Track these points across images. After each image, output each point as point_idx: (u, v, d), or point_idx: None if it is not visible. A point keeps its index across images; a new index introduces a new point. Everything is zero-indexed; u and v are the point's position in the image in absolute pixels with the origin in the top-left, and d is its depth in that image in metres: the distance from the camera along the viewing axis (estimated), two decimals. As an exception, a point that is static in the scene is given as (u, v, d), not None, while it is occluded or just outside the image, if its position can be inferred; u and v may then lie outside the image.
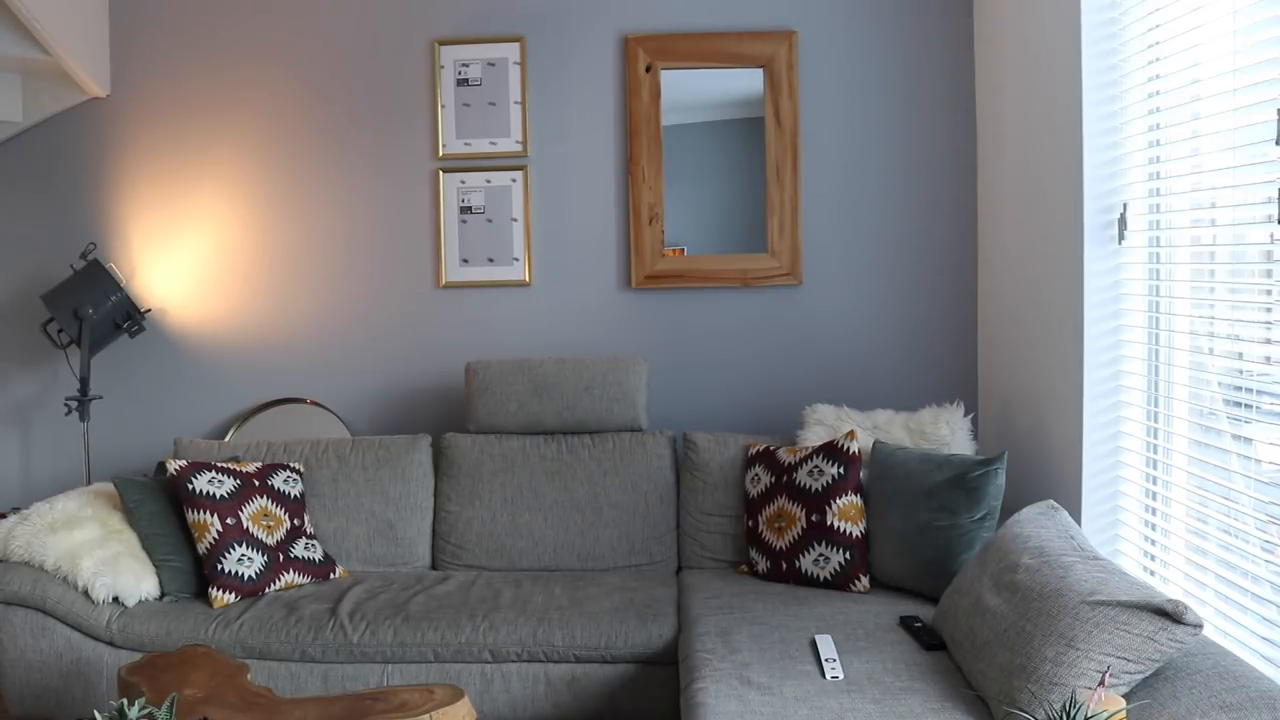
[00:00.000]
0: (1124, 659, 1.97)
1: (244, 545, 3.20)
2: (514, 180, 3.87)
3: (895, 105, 3.81)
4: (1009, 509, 2.92)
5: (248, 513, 3.26)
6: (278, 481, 3.40)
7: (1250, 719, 1.82)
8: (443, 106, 3.88)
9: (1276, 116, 2.06)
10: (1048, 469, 3.09)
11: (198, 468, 3.29)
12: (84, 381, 3.70)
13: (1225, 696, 1.88)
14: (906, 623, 2.73)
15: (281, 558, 3.26)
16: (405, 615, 3.03)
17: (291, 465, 3.49)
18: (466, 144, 3.89)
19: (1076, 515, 2.85)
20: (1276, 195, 2.14)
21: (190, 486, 3.23)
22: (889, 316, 3.85)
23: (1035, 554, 2.33)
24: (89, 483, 3.69)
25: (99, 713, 1.88)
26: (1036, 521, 2.51)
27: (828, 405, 3.49)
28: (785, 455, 3.31)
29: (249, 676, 2.47)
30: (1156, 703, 1.94)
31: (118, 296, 3.76)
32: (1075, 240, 2.86)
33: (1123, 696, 1.92)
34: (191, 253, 3.94)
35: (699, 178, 3.87)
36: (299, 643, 2.98)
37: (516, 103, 3.86)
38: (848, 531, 3.12)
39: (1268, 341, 2.22)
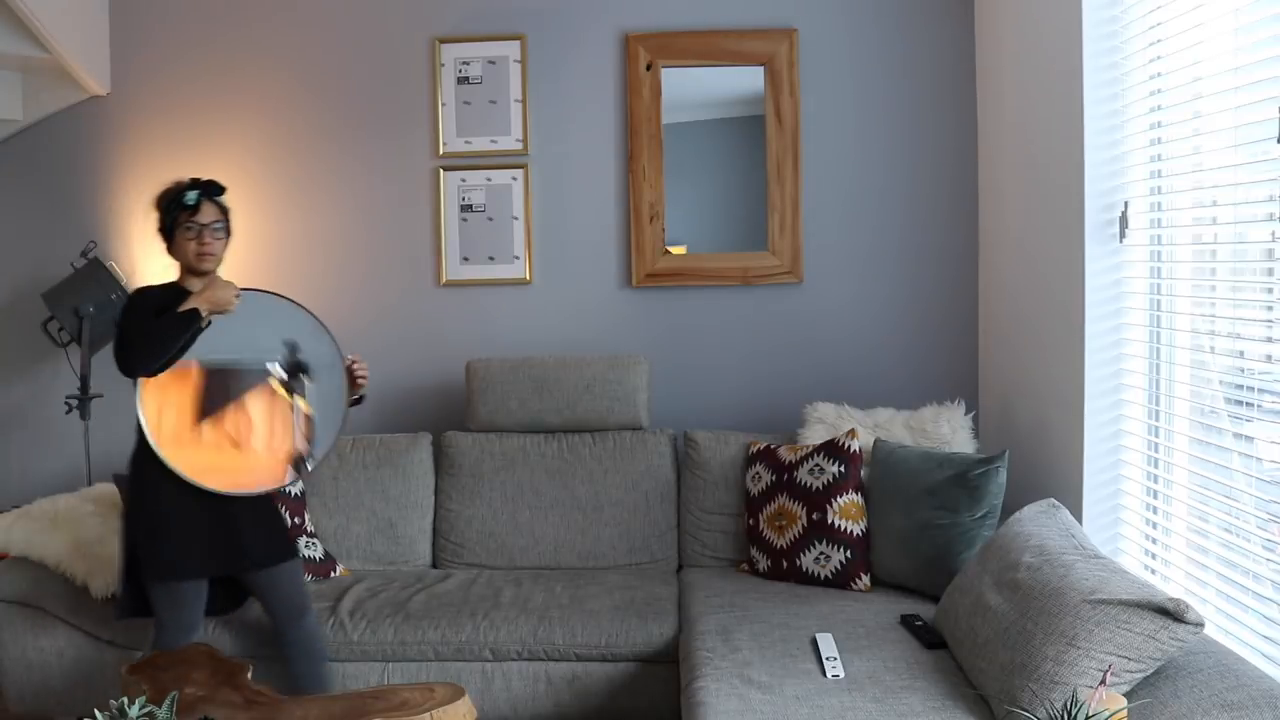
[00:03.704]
0: (1125, 658, 1.96)
1: (244, 544, 3.19)
2: (514, 178, 3.86)
3: (896, 103, 3.81)
4: (1010, 507, 2.91)
5: (248, 511, 3.25)
6: (278, 480, 3.39)
7: (1251, 718, 1.82)
8: (443, 104, 3.87)
9: (1278, 115, 2.06)
10: (1049, 467, 3.09)
11: (198, 466, 3.28)
12: (84, 380, 3.70)
13: (1226, 695, 1.88)
14: (907, 621, 2.73)
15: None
16: (406, 613, 3.03)
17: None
18: (467, 142, 3.88)
19: (1077, 514, 2.85)
20: (1278, 194, 2.13)
21: (191, 485, 3.22)
22: (890, 315, 3.85)
23: (1036, 552, 2.33)
24: (90, 481, 3.68)
25: (100, 711, 1.88)
26: (1037, 520, 2.51)
27: (828, 403, 3.49)
28: (786, 453, 3.31)
29: (249, 675, 2.47)
30: (1158, 701, 1.94)
31: (118, 295, 3.75)
32: (1076, 238, 2.86)
33: (1124, 695, 1.91)
34: (192, 251, 3.94)
35: (700, 176, 3.87)
36: (300, 641, 2.98)
37: (517, 101, 3.85)
38: (848, 530, 3.12)
39: (1269, 340, 2.22)
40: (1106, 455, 2.84)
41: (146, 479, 2.71)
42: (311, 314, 2.88)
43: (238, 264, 3.92)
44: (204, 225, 2.72)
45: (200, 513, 2.71)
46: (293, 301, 2.88)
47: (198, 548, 2.71)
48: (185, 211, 2.71)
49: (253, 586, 2.83)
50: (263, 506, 2.83)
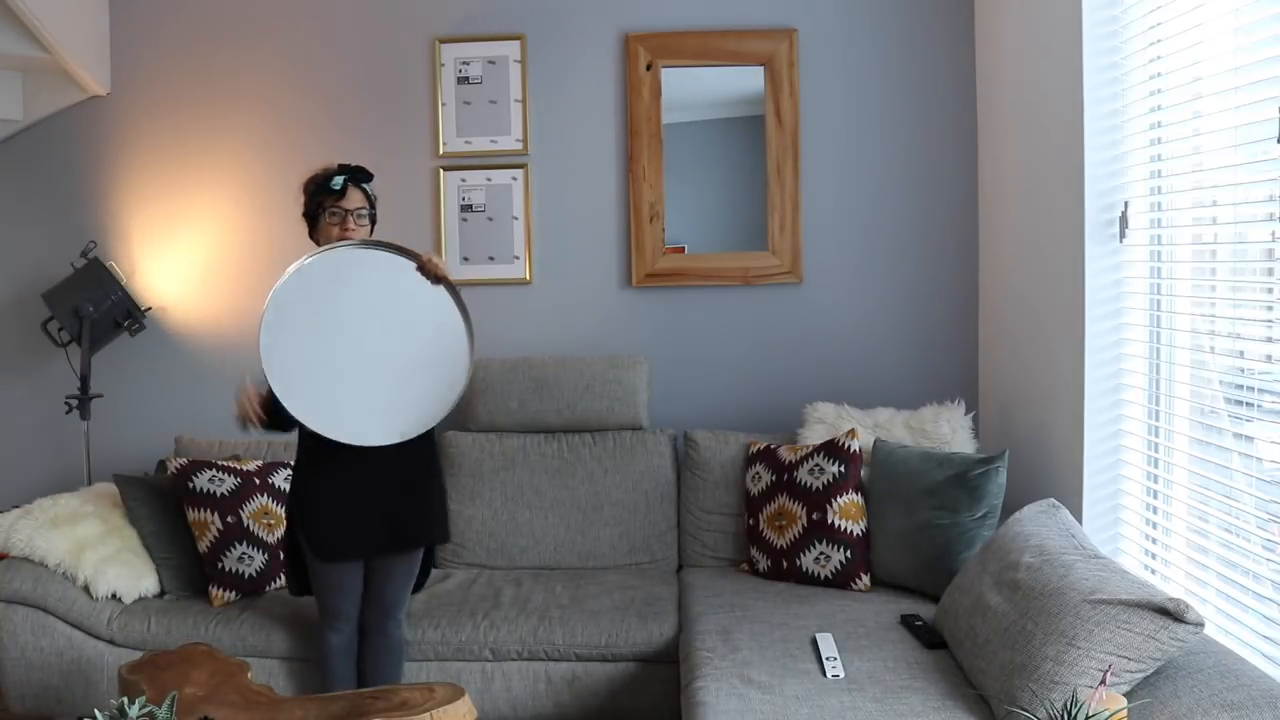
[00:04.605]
0: (1125, 658, 1.97)
1: (244, 543, 3.20)
2: (514, 178, 3.86)
3: (896, 103, 3.81)
4: (1010, 507, 2.91)
5: (248, 511, 3.26)
6: (278, 480, 3.40)
7: (1252, 717, 1.82)
8: (443, 104, 3.87)
9: (1278, 115, 2.06)
10: (1049, 467, 3.09)
11: (198, 466, 3.29)
12: (84, 380, 3.70)
13: (1226, 695, 1.88)
14: (907, 621, 2.73)
15: (282, 556, 3.26)
16: (406, 613, 3.03)
17: (292, 464, 3.48)
18: (467, 142, 3.88)
19: (1077, 514, 2.85)
20: (1278, 194, 2.13)
21: (191, 485, 3.23)
22: (890, 314, 3.84)
23: (1036, 552, 2.33)
24: (90, 481, 3.68)
25: (99, 711, 1.88)
26: (1037, 520, 2.51)
27: (828, 403, 3.49)
28: (786, 453, 3.31)
29: (249, 675, 2.47)
30: (1158, 701, 1.94)
31: (118, 295, 3.75)
32: (1076, 239, 2.86)
33: (1124, 695, 1.91)
34: (192, 251, 3.94)
35: (700, 176, 3.87)
36: (300, 641, 2.98)
37: (517, 101, 3.85)
38: (848, 530, 3.12)
39: (1269, 340, 2.22)
40: (1106, 455, 2.84)
41: (302, 464, 2.73)
42: (385, 246, 2.69)
43: (238, 264, 3.93)
44: (349, 211, 2.71)
45: (351, 494, 2.69)
46: (359, 244, 2.69)
47: (344, 531, 2.70)
48: (331, 196, 2.71)
49: (371, 566, 2.80)
50: (413, 489, 2.77)
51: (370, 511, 2.71)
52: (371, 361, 2.66)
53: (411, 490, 2.76)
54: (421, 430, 2.68)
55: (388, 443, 2.64)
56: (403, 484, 2.73)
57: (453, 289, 2.73)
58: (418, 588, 2.94)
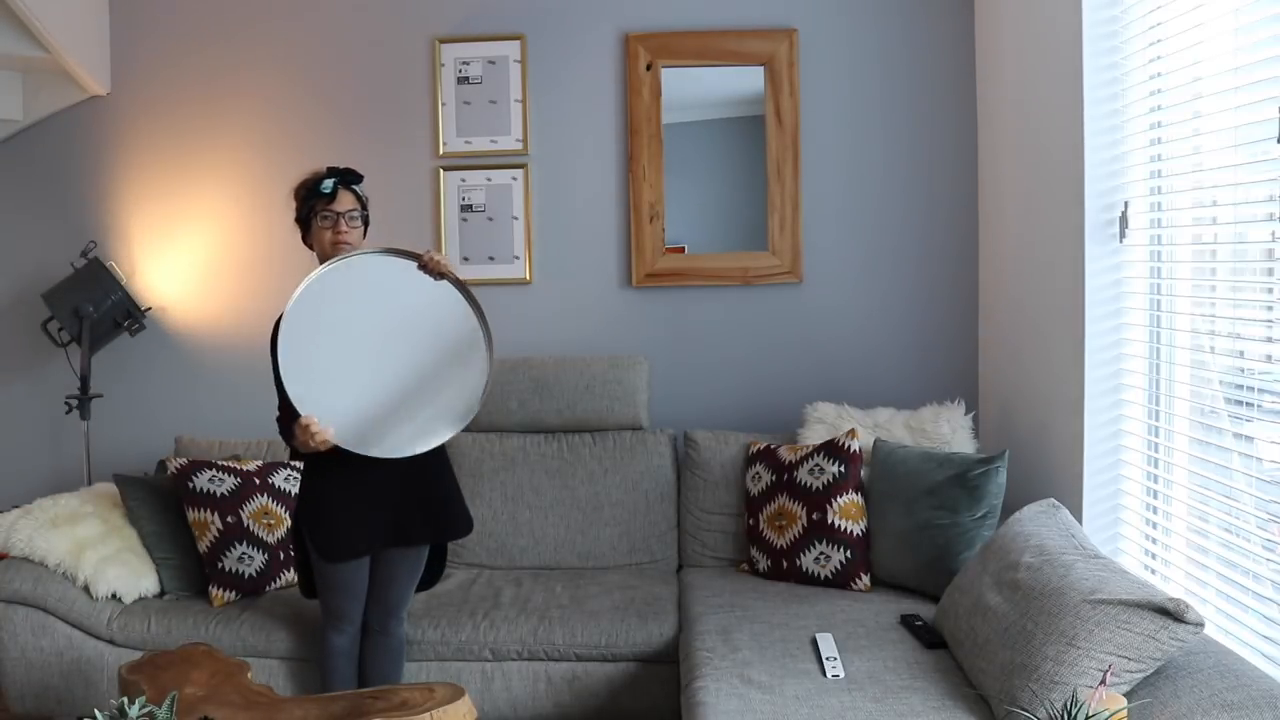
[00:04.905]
0: (1125, 658, 1.97)
1: (244, 543, 3.20)
2: (514, 178, 3.86)
3: (896, 103, 3.81)
4: (1010, 507, 2.91)
5: (248, 511, 3.26)
6: (278, 480, 3.40)
7: (1251, 717, 1.82)
8: (443, 104, 3.87)
9: (1278, 115, 2.06)
10: (1049, 467, 3.09)
11: (198, 466, 3.29)
12: (84, 380, 3.70)
13: (1226, 695, 1.88)
14: (907, 621, 2.73)
15: (282, 556, 3.26)
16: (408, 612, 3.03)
17: (292, 464, 3.48)
18: (467, 142, 3.88)
19: (1078, 514, 2.85)
20: (1278, 194, 2.13)
21: (191, 485, 3.23)
22: (890, 314, 3.84)
23: (1036, 552, 2.33)
24: (89, 481, 3.68)
25: (99, 711, 1.88)
26: (1037, 520, 2.51)
27: (828, 403, 3.49)
28: (786, 453, 3.31)
29: (249, 675, 2.47)
30: (1158, 701, 1.94)
31: (118, 295, 3.75)
32: (1076, 238, 2.86)
33: (1124, 695, 1.92)
34: (192, 251, 3.94)
35: (700, 176, 3.87)
36: (300, 641, 2.98)
37: (517, 101, 3.85)
38: (848, 530, 3.12)
39: (1269, 340, 2.22)
40: (1106, 455, 2.84)
41: (312, 464, 2.71)
42: (382, 251, 2.66)
43: (238, 264, 3.93)
44: (340, 213, 2.69)
45: (356, 493, 2.68)
46: (353, 255, 2.65)
47: (349, 530, 2.69)
48: (321, 200, 2.69)
49: (375, 564, 2.79)
50: (418, 485, 2.75)
51: (375, 508, 2.70)
52: (392, 375, 2.64)
53: (416, 487, 2.75)
54: (454, 431, 2.67)
55: (424, 450, 2.64)
56: (407, 480, 2.72)
57: (459, 284, 2.71)
58: (434, 581, 2.95)
